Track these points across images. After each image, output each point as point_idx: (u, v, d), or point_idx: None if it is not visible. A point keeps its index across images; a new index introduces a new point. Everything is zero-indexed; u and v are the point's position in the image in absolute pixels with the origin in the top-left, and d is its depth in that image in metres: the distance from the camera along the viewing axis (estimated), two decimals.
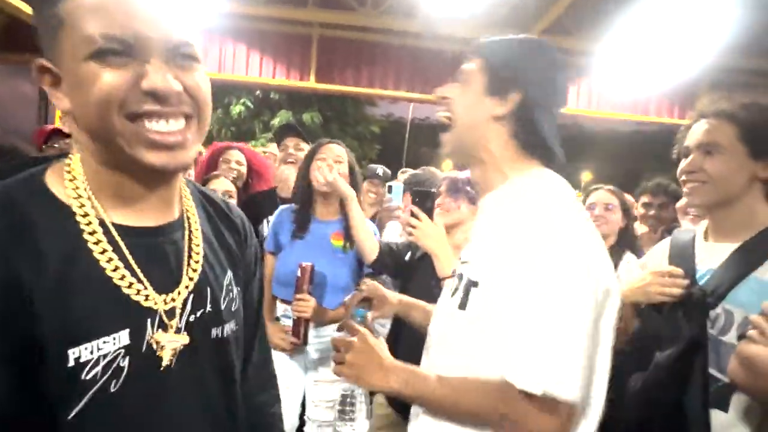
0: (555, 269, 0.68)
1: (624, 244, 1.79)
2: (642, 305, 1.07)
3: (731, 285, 0.91)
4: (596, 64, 4.97)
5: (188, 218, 0.64)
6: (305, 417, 1.74)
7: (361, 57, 5.01)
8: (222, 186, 1.90)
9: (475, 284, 0.76)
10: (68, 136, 2.02)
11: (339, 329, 0.85)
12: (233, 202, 1.93)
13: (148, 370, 0.55)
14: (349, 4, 4.64)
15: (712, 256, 0.98)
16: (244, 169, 2.26)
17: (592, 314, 0.69)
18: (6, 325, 0.48)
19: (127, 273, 0.55)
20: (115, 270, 0.54)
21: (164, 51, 0.54)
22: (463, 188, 1.53)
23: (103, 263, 0.54)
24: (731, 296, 0.91)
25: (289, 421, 1.74)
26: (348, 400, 0.87)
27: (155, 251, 0.58)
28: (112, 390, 0.52)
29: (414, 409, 0.88)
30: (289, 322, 1.66)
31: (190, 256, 0.61)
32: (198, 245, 0.63)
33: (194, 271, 0.61)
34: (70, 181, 0.56)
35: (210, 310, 0.61)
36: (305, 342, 1.61)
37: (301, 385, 1.74)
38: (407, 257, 1.61)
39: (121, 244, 0.55)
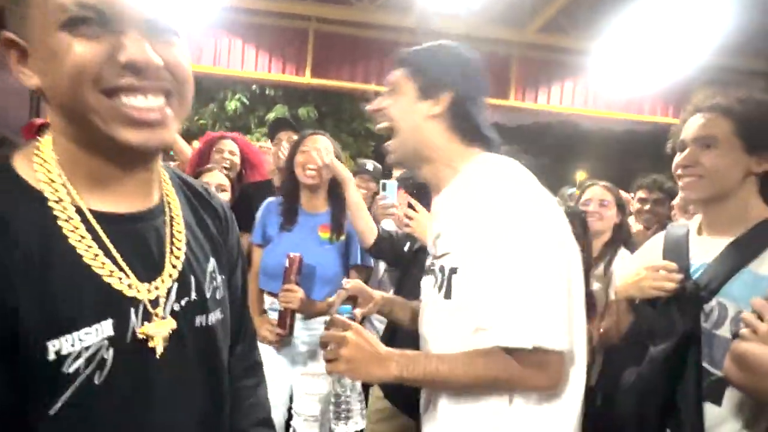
0: (523, 235, 0.76)
1: (618, 239, 1.80)
2: (636, 300, 1.07)
3: (725, 279, 0.91)
4: (592, 63, 4.98)
5: (169, 204, 0.61)
6: (292, 411, 1.73)
7: (358, 52, 4.99)
8: (215, 179, 1.89)
9: (454, 271, 0.81)
10: None
11: (327, 327, 0.85)
12: (227, 195, 1.92)
13: (134, 362, 0.53)
14: None
15: (706, 250, 0.98)
16: (237, 159, 2.22)
17: (563, 269, 0.78)
18: None
19: (107, 261, 0.52)
20: (94, 258, 0.51)
21: (142, 23, 0.50)
22: None
23: (81, 251, 0.51)
24: (725, 290, 0.91)
25: (277, 414, 1.73)
26: (343, 398, 0.86)
27: (136, 238, 0.56)
28: (97, 382, 0.50)
29: (425, 399, 0.89)
30: (275, 315, 1.65)
31: (172, 243, 0.59)
32: (180, 232, 0.60)
33: (177, 258, 0.58)
34: (41, 165, 0.52)
35: (195, 298, 0.59)
36: (291, 333, 1.61)
37: (289, 378, 1.73)
38: (406, 248, 1.61)
39: (100, 231, 0.52)
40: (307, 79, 5.03)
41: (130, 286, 0.53)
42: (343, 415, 0.85)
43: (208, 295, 0.61)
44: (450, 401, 0.83)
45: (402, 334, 1.44)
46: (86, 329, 0.50)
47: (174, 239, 0.59)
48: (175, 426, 0.56)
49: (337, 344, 0.80)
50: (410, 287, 1.16)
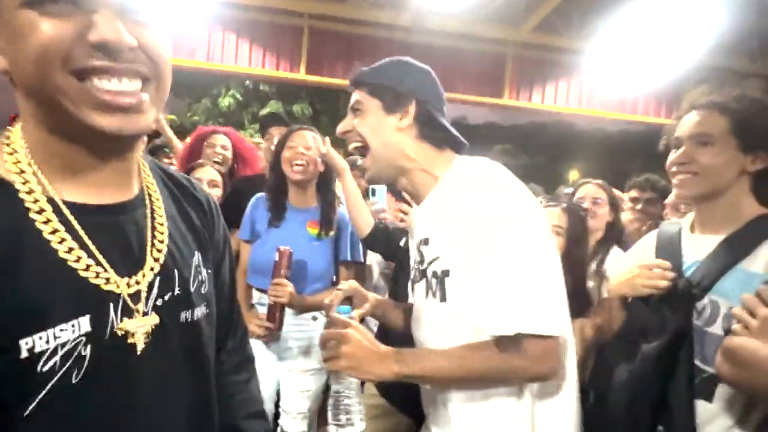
0: (514, 231, 0.78)
1: (611, 237, 1.80)
2: (629, 298, 1.07)
3: (717, 276, 0.92)
4: (586, 63, 5.01)
5: (149, 195, 0.59)
6: (280, 409, 1.72)
7: (352, 50, 4.97)
8: (207, 175, 1.87)
9: (446, 274, 0.83)
10: None
11: (327, 326, 0.85)
12: (219, 191, 1.89)
13: (114, 359, 0.51)
14: None
15: (698, 247, 0.98)
16: (229, 154, 2.19)
17: (553, 260, 0.81)
18: None
19: (83, 255, 0.50)
20: (69, 252, 0.49)
21: (115, 1, 0.47)
22: None
23: (54, 245, 0.49)
24: (717, 287, 0.91)
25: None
26: (343, 396, 0.85)
27: (114, 231, 0.53)
28: (74, 381, 0.48)
29: (430, 398, 0.89)
30: (264, 310, 1.63)
31: (153, 236, 0.56)
32: (162, 224, 0.58)
33: (159, 251, 0.56)
34: (10, 155, 0.50)
35: (179, 292, 0.57)
36: (280, 327, 1.59)
37: (276, 374, 1.71)
38: (402, 242, 1.61)
39: (75, 223, 0.50)
40: (301, 75, 5.00)
41: (108, 280, 0.51)
42: (342, 415, 0.84)
43: (192, 290, 0.59)
44: (461, 400, 0.83)
45: (394, 335, 1.44)
46: (61, 326, 0.47)
47: (156, 232, 0.57)
48: (161, 425, 0.55)
49: (337, 342, 0.79)
50: (406, 282, 1.16)
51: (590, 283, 1.58)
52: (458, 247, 0.81)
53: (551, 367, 0.78)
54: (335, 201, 1.74)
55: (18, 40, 0.46)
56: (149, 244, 0.56)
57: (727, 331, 0.82)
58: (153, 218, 0.57)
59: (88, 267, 0.50)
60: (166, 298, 0.56)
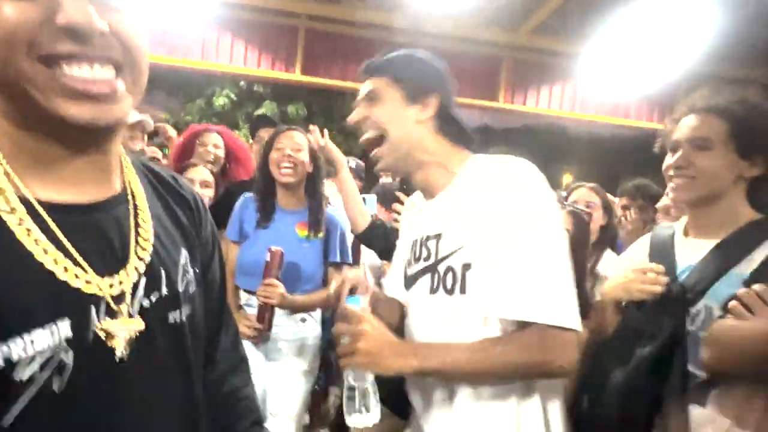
0: (542, 224, 0.78)
1: (605, 241, 1.81)
2: (623, 302, 1.07)
3: (711, 281, 0.92)
4: (580, 68, 5.04)
5: (132, 192, 0.56)
6: (268, 412, 1.69)
7: (349, 51, 4.96)
8: (200, 175, 1.85)
9: (468, 267, 0.81)
10: None
11: (340, 319, 0.82)
12: (211, 192, 1.88)
13: (99, 364, 0.48)
14: None
15: (692, 252, 0.99)
16: (221, 153, 2.15)
17: (567, 254, 0.81)
18: None
19: (60, 256, 0.47)
20: (45, 253, 0.46)
21: None
22: None
23: (29, 247, 0.45)
24: (711, 292, 0.91)
25: None
26: (357, 392, 0.83)
27: (94, 230, 0.50)
28: (56, 389, 0.45)
29: (426, 398, 0.87)
30: (252, 311, 1.62)
31: (138, 234, 0.54)
32: (146, 222, 0.55)
33: (144, 250, 0.53)
34: None
35: (166, 293, 0.55)
36: (269, 328, 1.58)
37: (264, 376, 1.69)
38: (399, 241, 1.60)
39: (51, 223, 0.47)
40: (297, 76, 4.98)
41: (88, 282, 0.48)
42: (358, 408, 0.82)
43: (181, 290, 0.57)
44: (470, 396, 0.82)
45: None
46: (39, 331, 0.44)
47: (140, 230, 0.54)
48: (150, 429, 0.53)
49: (353, 338, 0.77)
50: None
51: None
52: (482, 240, 0.80)
53: (571, 362, 0.77)
54: (323, 202, 1.73)
55: None
56: (133, 243, 0.53)
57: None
58: (136, 216, 0.55)
59: (66, 269, 0.47)
60: (153, 299, 0.53)
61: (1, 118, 0.47)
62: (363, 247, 2.21)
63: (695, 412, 0.90)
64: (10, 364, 0.43)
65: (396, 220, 1.43)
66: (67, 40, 0.44)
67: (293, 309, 1.64)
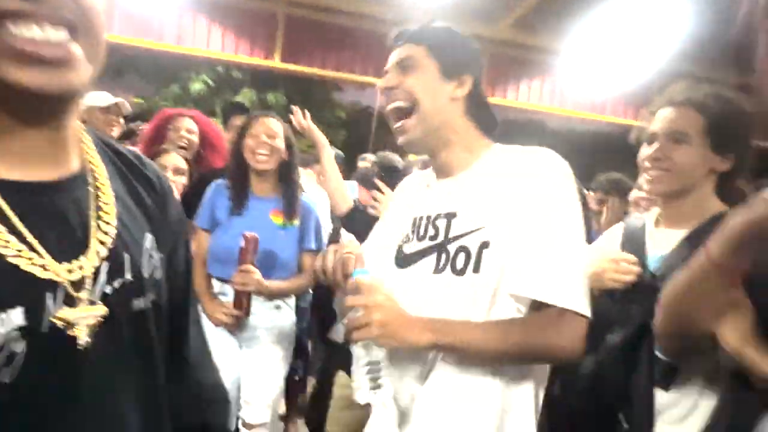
0: (568, 209, 0.78)
1: None
2: (595, 291, 1.09)
3: (680, 270, 0.94)
4: (560, 64, 5.11)
5: (93, 171, 0.52)
6: (242, 401, 1.67)
7: (329, 40, 4.89)
8: (173, 162, 1.78)
9: (486, 245, 0.79)
10: None
11: (351, 292, 0.78)
12: (184, 179, 1.82)
13: (56, 354, 0.45)
14: None
15: (662, 242, 1.01)
16: (195, 139, 2.05)
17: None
18: None
19: (12, 239, 0.43)
20: None
21: None
22: None
23: None
24: None
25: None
26: (376, 367, 0.81)
27: (51, 212, 0.47)
28: (7, 381, 0.42)
29: (414, 370, 0.84)
30: (226, 299, 1.60)
31: (99, 217, 0.50)
32: (108, 204, 0.51)
33: (106, 234, 0.50)
34: None
35: (131, 278, 0.52)
36: (248, 314, 1.56)
37: (238, 364, 1.67)
38: None
39: (2, 203, 0.43)
40: (276, 63, 4.88)
41: (44, 267, 0.44)
42: (377, 384, 0.80)
43: (146, 275, 0.54)
44: (452, 373, 0.80)
45: None
46: None
47: (101, 212, 0.51)
48: (109, 421, 0.50)
49: (367, 309, 0.74)
50: None
51: None
52: (505, 222, 0.78)
53: (580, 349, 0.77)
54: (297, 190, 1.71)
55: None
56: (94, 226, 0.49)
57: None
58: (98, 198, 0.51)
59: (19, 252, 0.43)
60: (117, 285, 0.50)
61: None
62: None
63: (660, 396, 0.93)
64: None
65: (374, 207, 1.42)
66: None
67: (270, 295, 1.62)
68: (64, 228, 0.48)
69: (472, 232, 0.81)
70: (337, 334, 2.07)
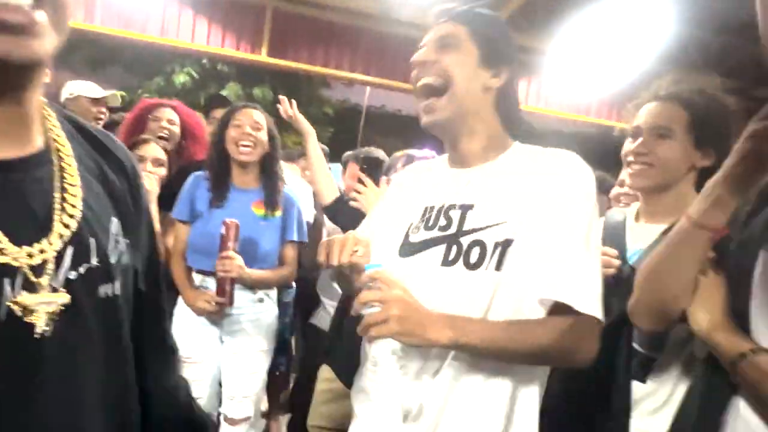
0: (591, 212, 0.77)
1: None
2: None
3: None
4: (546, 64, 5.16)
5: (58, 150, 0.49)
6: (224, 395, 1.65)
7: (317, 35, 4.85)
8: (152, 153, 1.73)
9: (509, 243, 0.76)
10: None
11: (366, 286, 0.75)
12: (163, 171, 1.78)
13: (13, 342, 0.43)
14: None
15: (642, 236, 1.03)
16: (176, 129, 2.00)
17: None
18: None
19: None
20: None
21: None
22: None
23: None
24: None
25: (211, 395, 1.65)
26: (383, 365, 0.79)
27: (10, 192, 0.44)
28: None
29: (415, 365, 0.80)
30: (208, 290, 1.58)
31: (63, 199, 0.47)
32: (74, 185, 0.49)
33: (71, 216, 0.47)
34: None
35: (97, 264, 0.49)
36: (231, 302, 1.54)
37: (218, 357, 1.65)
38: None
39: None
40: (263, 57, 4.83)
41: (1, 251, 0.42)
42: (384, 382, 0.78)
43: (113, 261, 0.51)
44: (463, 372, 0.77)
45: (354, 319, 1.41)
46: None
47: (66, 194, 0.48)
48: (72, 416, 0.47)
49: (386, 304, 0.70)
50: None
51: None
52: (528, 220, 0.76)
53: (593, 354, 0.75)
54: (279, 181, 1.69)
55: None
56: (58, 207, 0.47)
57: None
58: (63, 178, 0.48)
59: None
60: (82, 270, 0.47)
61: None
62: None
63: (636, 387, 0.95)
64: None
65: (355, 199, 1.41)
66: None
67: (252, 283, 1.61)
68: (24, 209, 0.45)
69: (490, 226, 0.78)
70: (320, 320, 2.05)
